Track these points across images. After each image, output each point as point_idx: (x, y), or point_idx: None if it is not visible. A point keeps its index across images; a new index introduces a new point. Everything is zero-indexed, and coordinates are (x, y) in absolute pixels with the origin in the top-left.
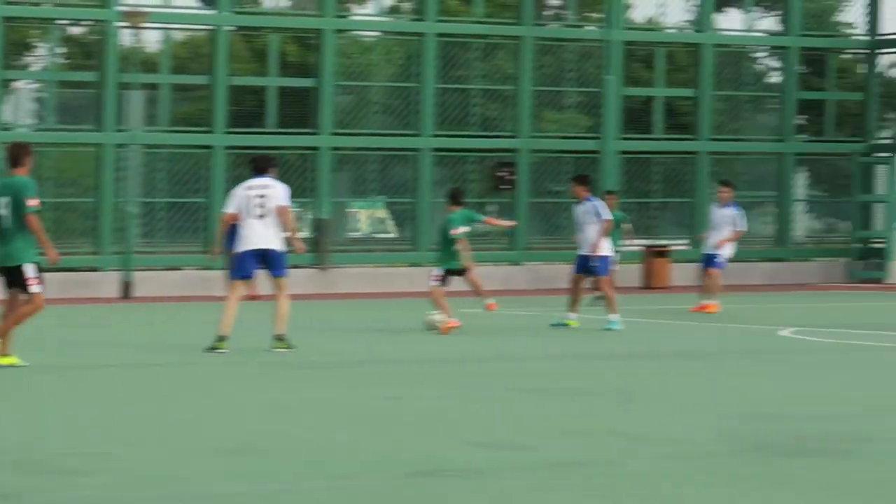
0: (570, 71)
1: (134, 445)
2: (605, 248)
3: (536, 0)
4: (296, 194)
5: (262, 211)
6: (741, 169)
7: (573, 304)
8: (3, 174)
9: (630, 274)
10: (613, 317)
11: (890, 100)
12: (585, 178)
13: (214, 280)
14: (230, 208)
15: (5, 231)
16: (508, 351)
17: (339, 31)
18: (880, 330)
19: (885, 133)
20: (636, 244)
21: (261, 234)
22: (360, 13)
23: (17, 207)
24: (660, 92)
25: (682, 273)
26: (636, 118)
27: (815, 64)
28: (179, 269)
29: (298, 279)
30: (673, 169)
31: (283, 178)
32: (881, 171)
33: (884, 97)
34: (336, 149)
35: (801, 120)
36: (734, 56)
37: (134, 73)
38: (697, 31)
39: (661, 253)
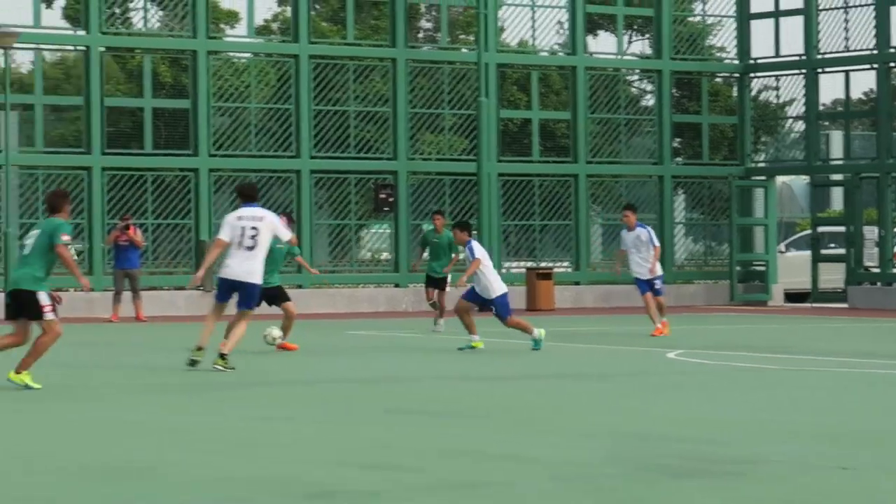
0: (446, 93)
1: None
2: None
3: (408, 22)
4: (176, 215)
5: (252, 242)
6: (620, 192)
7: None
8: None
9: (514, 296)
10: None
11: (763, 123)
12: (466, 224)
13: (98, 302)
14: (223, 235)
15: (24, 258)
16: (394, 372)
17: (213, 52)
18: (763, 352)
19: (760, 156)
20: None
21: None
22: (233, 34)
23: (47, 240)
24: (536, 114)
25: (564, 295)
26: (513, 140)
27: (688, 87)
28: (61, 291)
29: (179, 301)
30: (552, 191)
31: (162, 199)
32: (758, 194)
33: (757, 121)
34: (214, 170)
35: (677, 143)
36: (608, 79)
37: (7, 94)
38: (570, 54)
39: (545, 275)
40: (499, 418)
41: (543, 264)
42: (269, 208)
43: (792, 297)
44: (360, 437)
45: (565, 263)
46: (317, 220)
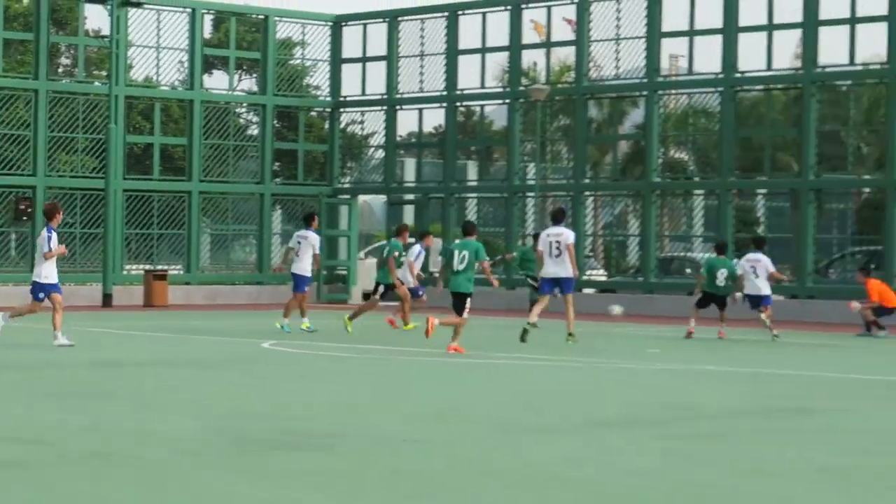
0: (81, 120)
1: None
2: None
3: (49, 58)
4: None
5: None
6: (227, 207)
7: None
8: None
9: (133, 295)
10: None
11: (350, 151)
12: None
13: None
14: None
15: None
16: (53, 358)
17: None
18: (345, 343)
19: (346, 179)
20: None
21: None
22: None
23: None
24: (157, 140)
25: (176, 294)
26: (138, 161)
27: (288, 119)
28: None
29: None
30: (169, 205)
31: None
32: (343, 210)
33: (344, 149)
34: None
35: (276, 166)
36: (220, 111)
37: None
38: (189, 89)
39: (160, 276)
40: (124, 399)
41: (159, 267)
42: None
43: (368, 296)
44: (11, 415)
45: (178, 266)
46: None
